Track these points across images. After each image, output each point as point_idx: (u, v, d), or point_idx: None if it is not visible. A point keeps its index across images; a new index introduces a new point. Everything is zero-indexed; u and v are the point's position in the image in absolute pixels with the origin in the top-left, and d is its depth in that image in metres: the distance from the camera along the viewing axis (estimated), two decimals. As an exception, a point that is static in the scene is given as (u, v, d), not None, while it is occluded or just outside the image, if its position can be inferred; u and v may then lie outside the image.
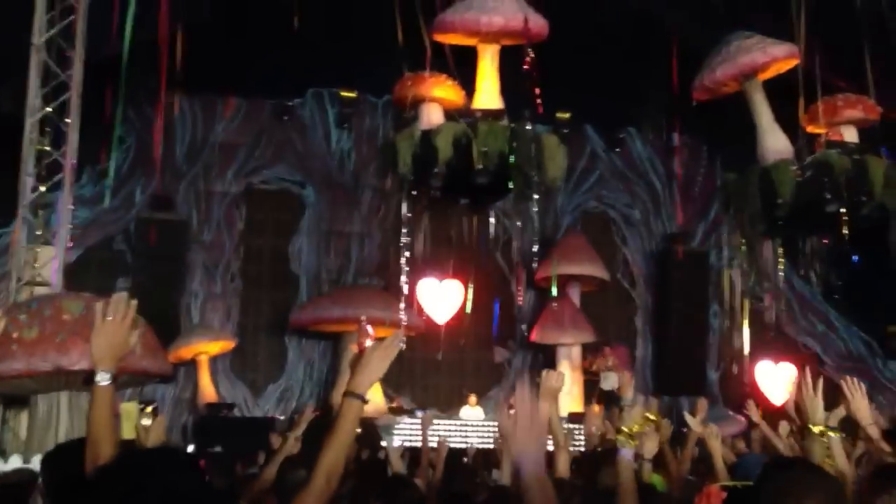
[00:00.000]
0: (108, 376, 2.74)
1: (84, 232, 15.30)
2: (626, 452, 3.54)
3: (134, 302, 2.82)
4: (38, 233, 10.31)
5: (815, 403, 3.47)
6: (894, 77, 10.96)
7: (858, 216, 11.04)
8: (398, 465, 6.24)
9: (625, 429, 3.62)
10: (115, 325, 2.76)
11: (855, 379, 3.97)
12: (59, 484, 3.04)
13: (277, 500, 4.04)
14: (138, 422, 5.13)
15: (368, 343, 2.76)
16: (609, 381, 15.49)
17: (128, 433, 5.23)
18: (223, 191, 17.01)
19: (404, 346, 2.70)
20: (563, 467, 4.15)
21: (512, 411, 2.30)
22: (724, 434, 7.30)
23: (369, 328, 12.46)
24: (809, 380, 3.48)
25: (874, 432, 3.93)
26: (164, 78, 12.18)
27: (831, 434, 3.48)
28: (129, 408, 5.16)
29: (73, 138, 10.56)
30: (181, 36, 11.90)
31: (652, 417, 5.17)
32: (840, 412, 3.75)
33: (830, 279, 12.92)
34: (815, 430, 3.44)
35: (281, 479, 4.05)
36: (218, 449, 11.73)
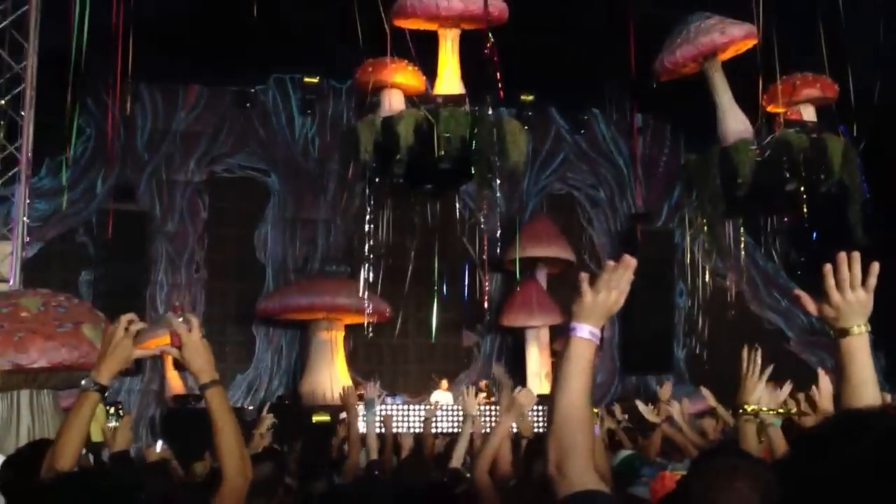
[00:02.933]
0: (83, 383, 2.73)
1: (44, 225, 15.13)
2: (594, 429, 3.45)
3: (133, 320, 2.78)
4: (-5, 228, 10.20)
5: (754, 382, 3.43)
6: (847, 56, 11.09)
7: (817, 194, 11.16)
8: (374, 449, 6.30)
9: None
10: (126, 344, 2.74)
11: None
12: (15, 490, 3.04)
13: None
14: (105, 423, 5.10)
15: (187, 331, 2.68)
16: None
17: (95, 436, 5.20)
18: (186, 180, 16.85)
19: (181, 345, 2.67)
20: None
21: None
22: (689, 412, 7.40)
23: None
24: (758, 359, 3.45)
25: None
26: (122, 67, 12.02)
27: (766, 415, 3.46)
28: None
29: (28, 131, 10.42)
30: (140, 24, 11.74)
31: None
32: (782, 394, 3.75)
33: (791, 256, 13.06)
34: (749, 409, 3.42)
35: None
36: None
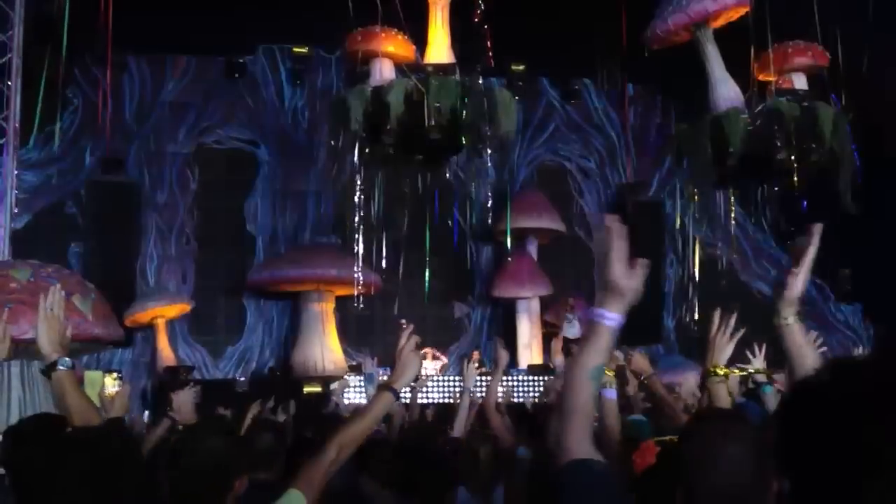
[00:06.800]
0: (68, 361, 3.02)
1: (32, 196, 15.04)
2: (610, 393, 3.55)
3: (63, 293, 3.18)
4: (-17, 199, 10.12)
5: (723, 344, 3.48)
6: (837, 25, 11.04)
7: (808, 163, 11.16)
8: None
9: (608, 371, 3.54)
10: (56, 316, 3.07)
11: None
12: (22, 460, 3.04)
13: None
14: (102, 390, 5.09)
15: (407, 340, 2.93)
16: (573, 329, 15.36)
17: None
18: (175, 151, 16.75)
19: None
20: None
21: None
22: (673, 382, 7.45)
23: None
24: (731, 322, 3.48)
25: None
26: (110, 37, 11.90)
27: (751, 376, 3.51)
28: (94, 376, 5.11)
29: (15, 101, 10.33)
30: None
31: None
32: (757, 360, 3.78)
33: (782, 225, 13.09)
34: (720, 371, 3.47)
35: (250, 443, 4.01)
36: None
